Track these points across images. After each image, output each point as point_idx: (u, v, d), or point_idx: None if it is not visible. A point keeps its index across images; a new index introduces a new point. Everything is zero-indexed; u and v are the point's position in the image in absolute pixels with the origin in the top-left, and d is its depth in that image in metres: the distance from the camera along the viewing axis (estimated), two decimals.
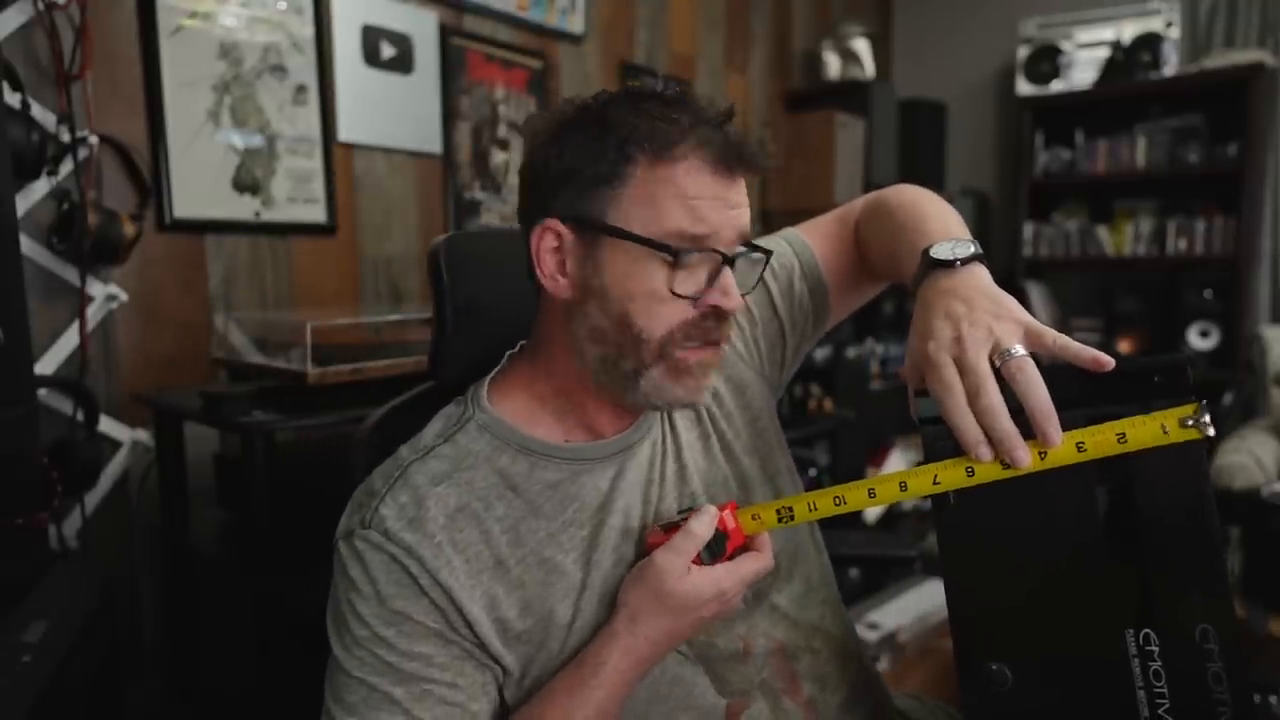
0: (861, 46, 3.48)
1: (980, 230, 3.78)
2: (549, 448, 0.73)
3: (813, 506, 0.67)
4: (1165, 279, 3.48)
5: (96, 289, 1.62)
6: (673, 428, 0.80)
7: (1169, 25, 3.38)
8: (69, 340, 1.57)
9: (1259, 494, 2.38)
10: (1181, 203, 3.45)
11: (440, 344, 0.88)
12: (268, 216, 1.90)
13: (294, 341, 1.52)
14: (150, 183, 1.69)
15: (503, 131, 2.43)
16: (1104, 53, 3.49)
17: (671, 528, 0.69)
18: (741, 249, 0.71)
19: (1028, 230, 3.71)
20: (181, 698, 1.74)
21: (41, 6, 1.48)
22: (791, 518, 0.68)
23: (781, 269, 0.86)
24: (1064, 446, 0.59)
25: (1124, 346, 3.53)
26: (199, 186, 1.78)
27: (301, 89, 1.94)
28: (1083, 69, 3.54)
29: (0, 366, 1.10)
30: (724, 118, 0.68)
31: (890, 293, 2.68)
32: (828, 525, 0.80)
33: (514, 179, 2.47)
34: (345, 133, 2.04)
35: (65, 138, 1.53)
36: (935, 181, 3.86)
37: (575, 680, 0.67)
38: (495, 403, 0.75)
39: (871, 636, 2.32)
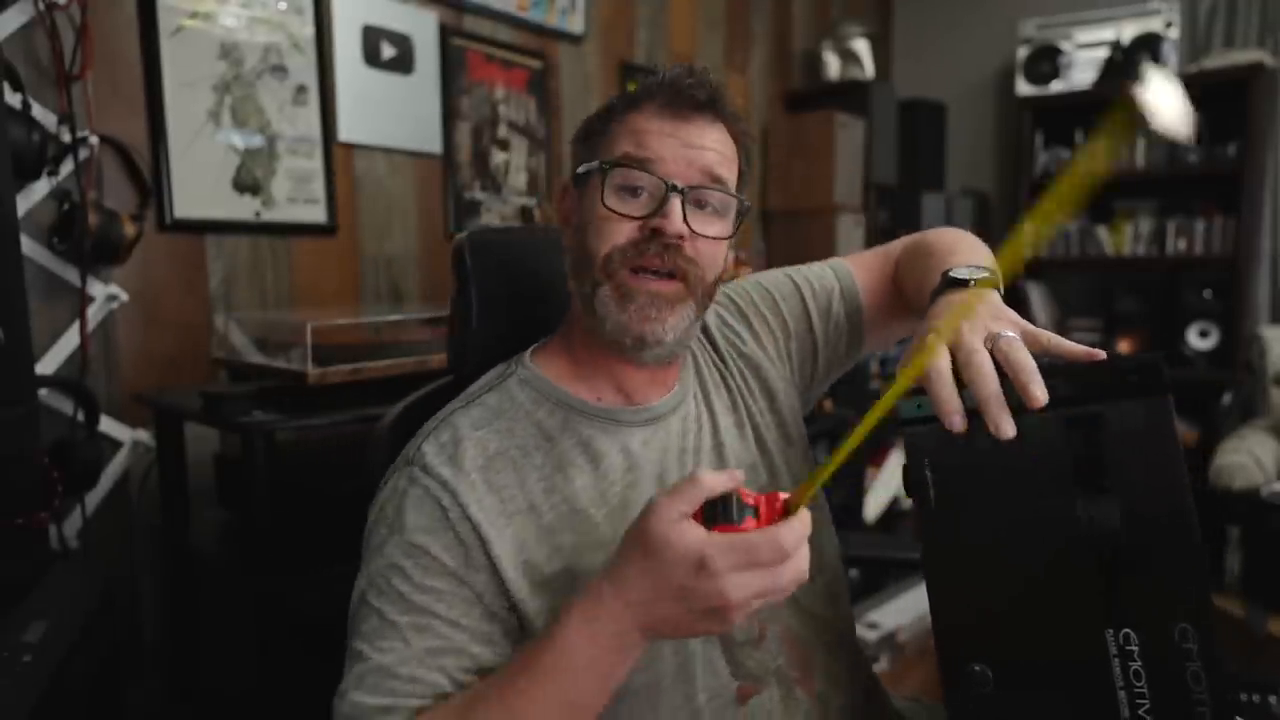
0: (861, 46, 3.48)
1: (980, 230, 3.77)
2: (583, 404, 0.77)
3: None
4: (1165, 279, 3.48)
5: (97, 289, 1.62)
6: (710, 408, 0.83)
7: (1169, 25, 3.38)
8: (69, 340, 1.58)
9: (1259, 494, 2.38)
10: (1181, 203, 3.45)
11: (464, 337, 0.90)
12: (268, 216, 1.90)
13: (294, 341, 1.52)
14: (151, 183, 1.69)
15: (503, 132, 2.43)
16: (1104, 53, 3.49)
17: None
18: (706, 188, 0.74)
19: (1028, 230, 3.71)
20: (181, 698, 1.74)
21: (42, 7, 1.48)
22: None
23: (822, 290, 0.91)
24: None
25: (1124, 346, 3.53)
26: (199, 187, 1.78)
27: (302, 89, 1.94)
28: (1082, 69, 3.54)
29: (1, 366, 1.09)
30: (685, 71, 0.75)
31: None
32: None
33: (514, 179, 2.48)
34: (345, 133, 2.04)
35: (66, 138, 1.53)
36: (935, 182, 3.87)
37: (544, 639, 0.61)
38: (538, 364, 0.80)
39: (871, 636, 2.31)
